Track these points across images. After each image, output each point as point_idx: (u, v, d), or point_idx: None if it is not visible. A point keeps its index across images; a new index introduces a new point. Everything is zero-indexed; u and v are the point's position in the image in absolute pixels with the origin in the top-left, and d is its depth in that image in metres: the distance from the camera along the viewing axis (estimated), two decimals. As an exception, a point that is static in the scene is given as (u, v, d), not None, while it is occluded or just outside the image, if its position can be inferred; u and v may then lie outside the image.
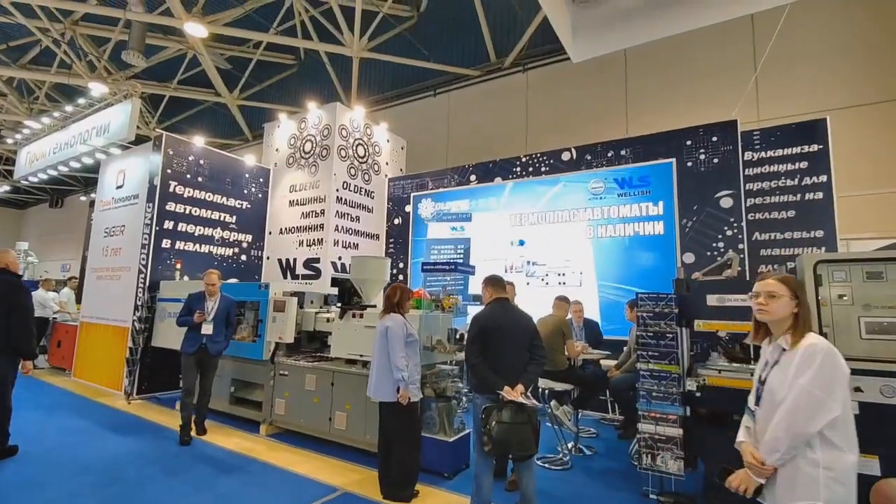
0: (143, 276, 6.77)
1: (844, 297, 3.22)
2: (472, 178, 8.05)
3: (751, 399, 1.97)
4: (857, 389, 3.04)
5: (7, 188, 20.66)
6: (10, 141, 14.56)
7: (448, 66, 10.77)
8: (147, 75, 14.03)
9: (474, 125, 10.50)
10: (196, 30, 9.88)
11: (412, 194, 8.77)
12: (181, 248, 7.22)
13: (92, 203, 13.72)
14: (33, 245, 18.25)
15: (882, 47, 6.71)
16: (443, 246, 8.14)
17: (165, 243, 7.01)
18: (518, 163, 7.56)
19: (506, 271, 7.21)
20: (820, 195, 5.43)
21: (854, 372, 3.05)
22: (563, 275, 6.84)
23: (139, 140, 8.56)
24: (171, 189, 7.12)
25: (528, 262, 7.18)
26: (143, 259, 6.83)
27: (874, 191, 6.47)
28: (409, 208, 8.77)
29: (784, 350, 1.83)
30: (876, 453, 2.91)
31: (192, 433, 4.93)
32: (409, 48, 11.14)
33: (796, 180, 5.56)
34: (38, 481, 3.73)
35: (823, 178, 5.43)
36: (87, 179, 20.00)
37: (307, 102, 8.71)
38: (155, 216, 6.89)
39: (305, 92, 13.08)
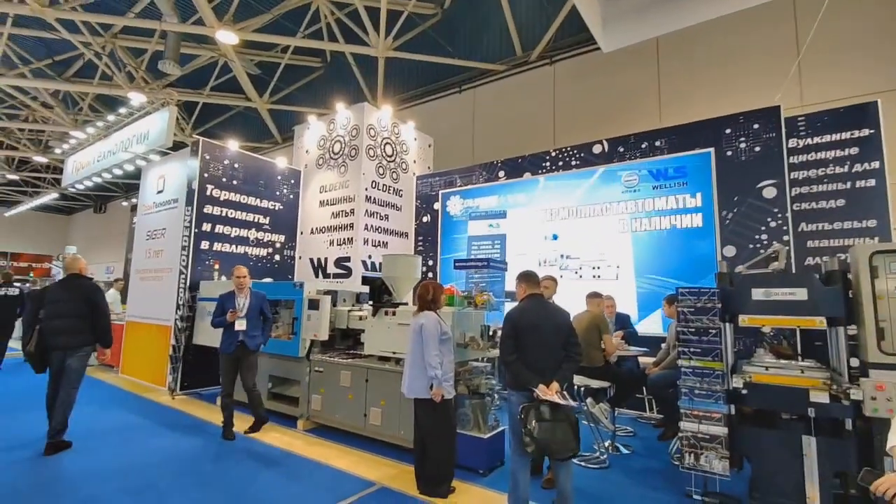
0: (183, 276, 7.04)
1: (903, 290, 3.04)
2: (501, 173, 7.99)
3: None
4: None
5: (56, 196, 21.86)
6: (57, 151, 15.39)
7: (473, 62, 10.71)
8: (181, 83, 14.55)
9: (501, 120, 10.41)
10: (227, 37, 10.16)
11: (440, 192, 8.78)
12: (219, 249, 7.46)
13: (133, 208, 14.36)
14: (80, 249, 19.23)
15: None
16: (481, 242, 8.14)
17: (204, 245, 7.26)
18: (547, 157, 7.45)
19: (539, 265, 7.13)
20: (872, 182, 5.12)
21: (916, 369, 2.90)
22: (598, 268, 6.72)
23: (176, 146, 8.91)
24: (208, 192, 7.36)
25: (562, 256, 7.09)
26: (184, 260, 7.09)
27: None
28: (437, 206, 8.79)
29: None
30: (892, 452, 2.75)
31: (245, 431, 5.05)
32: (434, 46, 11.14)
33: (846, 167, 5.25)
34: (93, 474, 3.94)
35: (875, 164, 5.12)
36: (128, 185, 20.96)
37: (335, 104, 8.84)
38: (194, 219, 7.14)
39: (333, 93, 13.27)
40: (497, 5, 10.21)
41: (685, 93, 8.07)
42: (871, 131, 5.17)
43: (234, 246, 7.69)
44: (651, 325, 6.16)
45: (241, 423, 5.13)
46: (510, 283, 4.19)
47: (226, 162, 7.68)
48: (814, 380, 3.20)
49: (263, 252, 8.21)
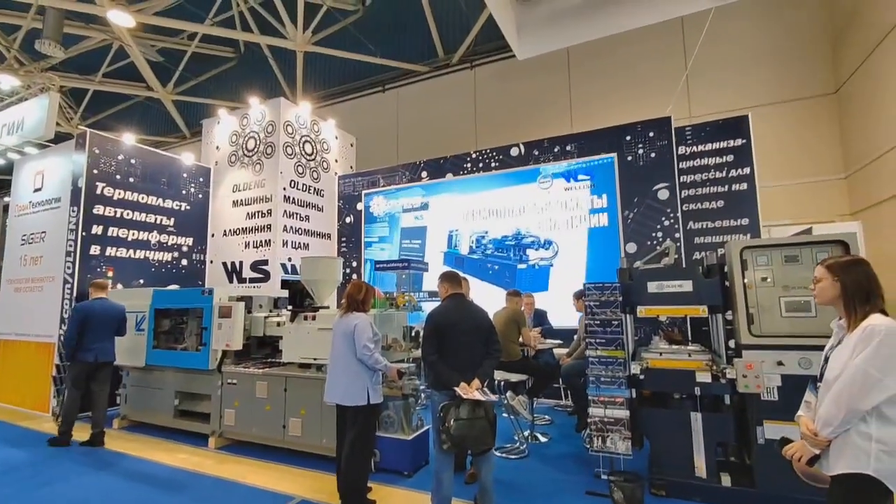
0: (69, 286, 6.24)
1: (767, 280, 3.51)
2: (424, 174, 8.04)
3: (818, 376, 1.99)
4: (780, 363, 3.33)
5: None
6: None
7: (396, 61, 10.66)
8: (67, 67, 12.87)
9: (425, 121, 10.48)
10: (121, 18, 9.17)
11: (363, 192, 8.63)
12: (112, 254, 6.71)
13: (6, 207, 12.44)
14: (-64, 256, 16.29)
15: (790, 53, 7.37)
16: (409, 239, 8.19)
17: (94, 250, 6.49)
18: (468, 158, 7.63)
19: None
20: (744, 186, 5.88)
21: (776, 348, 3.36)
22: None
23: (60, 138, 7.87)
24: (98, 191, 6.59)
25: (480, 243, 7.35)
26: (69, 268, 6.29)
27: (788, 181, 7.09)
28: (360, 206, 8.63)
29: (844, 329, 1.87)
30: (796, 420, 3.20)
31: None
32: (355, 43, 10.92)
33: (724, 172, 5.98)
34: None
35: (747, 170, 5.88)
36: (-1, 182, 18.12)
37: (249, 97, 8.33)
38: (81, 221, 6.35)
39: (247, 86, 12.50)
40: (419, 7, 10.26)
41: (592, 100, 8.70)
42: (744, 141, 5.93)
43: (131, 251, 6.95)
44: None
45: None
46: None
47: (120, 157, 6.92)
48: (699, 362, 3.59)
49: (168, 256, 7.51)
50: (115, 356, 5.24)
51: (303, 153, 8.25)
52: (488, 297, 6.53)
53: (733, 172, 5.92)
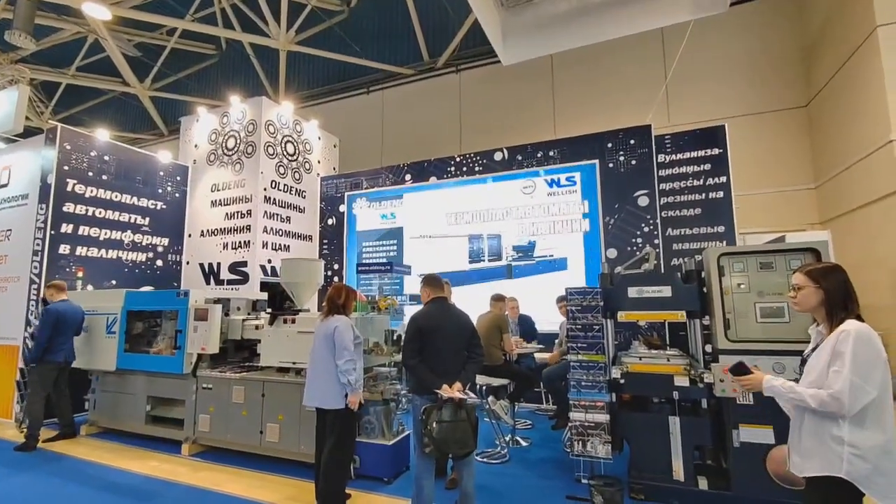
0: (35, 286, 5.99)
1: (742, 286, 3.59)
2: (407, 177, 8.00)
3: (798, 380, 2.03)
4: (755, 368, 3.40)
5: None
6: None
7: (381, 63, 10.62)
8: (38, 59, 12.43)
9: (409, 124, 10.46)
10: (97, 11, 8.90)
11: (346, 193, 8.55)
12: (83, 254, 6.47)
13: (-31, 204, 11.91)
14: None
15: (765, 67, 7.62)
16: (374, 242, 8.04)
17: (63, 249, 6.25)
18: (452, 162, 7.63)
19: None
20: (721, 194, 6.03)
21: (751, 353, 3.43)
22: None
23: (29, 133, 7.58)
24: (69, 188, 6.36)
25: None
26: (36, 267, 6.04)
27: (762, 190, 7.31)
28: (343, 208, 8.54)
29: (823, 335, 1.91)
30: (770, 424, 3.28)
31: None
32: (340, 44, 10.84)
33: (701, 181, 6.12)
34: None
35: (723, 178, 6.03)
36: (-38, 177, 17.35)
37: (230, 96, 8.17)
38: (49, 219, 6.12)
39: (228, 84, 12.30)
40: (405, 10, 10.25)
41: (576, 106, 8.82)
42: (720, 151, 6.08)
43: (103, 250, 6.72)
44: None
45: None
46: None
47: (93, 153, 6.70)
48: (677, 366, 3.65)
49: (142, 257, 7.29)
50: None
51: (284, 153, 8.13)
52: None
53: (710, 181, 6.06)
